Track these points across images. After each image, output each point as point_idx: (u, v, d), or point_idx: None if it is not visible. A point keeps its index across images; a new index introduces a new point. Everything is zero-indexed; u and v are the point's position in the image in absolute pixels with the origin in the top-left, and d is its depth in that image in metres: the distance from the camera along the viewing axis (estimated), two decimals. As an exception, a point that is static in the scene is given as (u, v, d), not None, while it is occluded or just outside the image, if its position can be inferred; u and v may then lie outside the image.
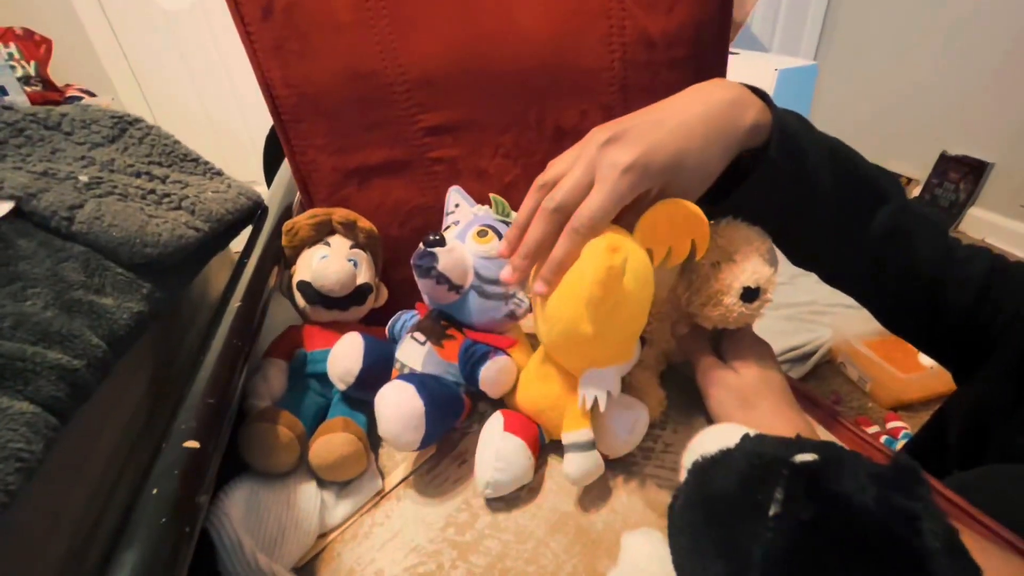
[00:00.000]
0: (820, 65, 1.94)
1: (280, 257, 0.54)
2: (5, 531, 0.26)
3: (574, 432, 0.40)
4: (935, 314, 0.49)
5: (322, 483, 0.43)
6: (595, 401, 0.39)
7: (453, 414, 0.46)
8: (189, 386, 0.34)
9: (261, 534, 0.37)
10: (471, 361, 0.45)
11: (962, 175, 1.86)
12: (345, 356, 0.44)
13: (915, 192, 2.03)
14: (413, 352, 0.47)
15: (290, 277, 0.53)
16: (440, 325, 0.48)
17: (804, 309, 1.47)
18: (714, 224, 0.44)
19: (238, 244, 0.58)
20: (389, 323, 0.53)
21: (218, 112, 1.91)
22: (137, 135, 0.53)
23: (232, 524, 0.36)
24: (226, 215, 0.52)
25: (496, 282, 0.47)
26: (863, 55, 2.17)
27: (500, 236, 0.49)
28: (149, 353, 0.45)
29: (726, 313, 0.42)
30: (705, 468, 0.26)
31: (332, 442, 0.41)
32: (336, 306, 0.51)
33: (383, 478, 0.45)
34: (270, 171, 1.06)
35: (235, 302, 0.43)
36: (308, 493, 0.41)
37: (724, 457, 0.26)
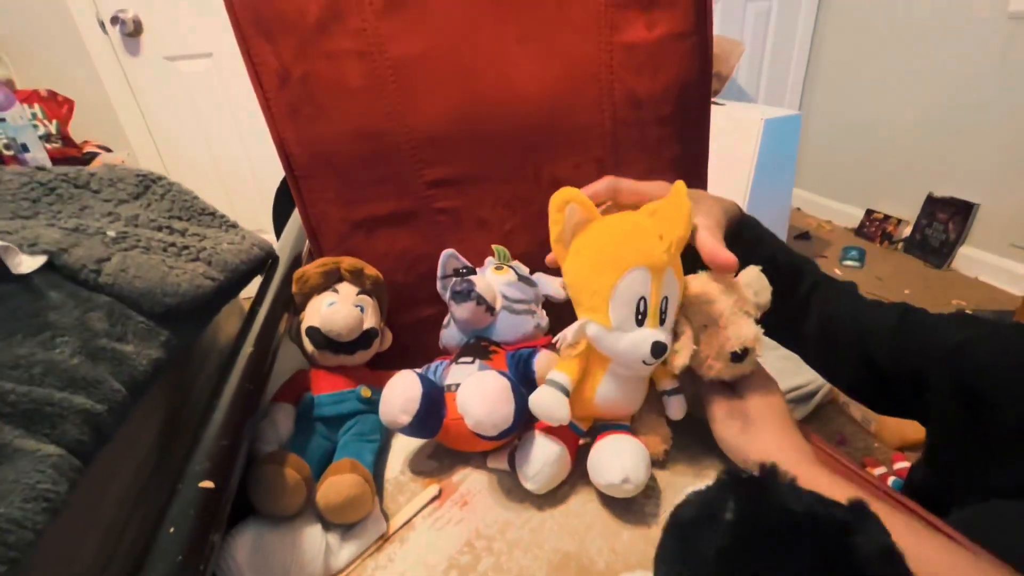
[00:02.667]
0: (805, 113, 2.04)
1: (290, 304, 0.57)
2: (22, 573, 0.27)
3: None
4: (865, 365, 0.52)
5: (327, 525, 0.43)
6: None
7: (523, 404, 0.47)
8: (204, 428, 0.35)
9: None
10: (521, 361, 0.52)
11: (950, 215, 1.91)
12: (405, 389, 0.46)
13: (906, 232, 2.08)
14: (464, 373, 0.50)
15: (299, 323, 0.55)
16: (481, 345, 0.53)
17: (803, 348, 1.48)
18: (699, 285, 0.46)
19: (247, 291, 0.60)
20: (422, 370, 0.57)
21: (228, 165, 1.99)
22: (159, 191, 0.57)
23: (239, 566, 0.36)
24: (240, 265, 0.55)
25: (522, 300, 0.55)
26: (846, 102, 2.27)
27: (513, 270, 0.57)
28: (162, 397, 0.46)
29: (721, 372, 0.44)
30: (678, 508, 0.28)
31: (340, 484, 0.42)
32: (343, 350, 0.53)
33: (387, 520, 0.45)
34: (279, 221, 1.10)
35: (247, 347, 0.45)
36: (314, 536, 0.42)
37: (693, 495, 0.28)
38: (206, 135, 1.95)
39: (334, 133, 0.58)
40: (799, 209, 2.55)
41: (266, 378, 0.45)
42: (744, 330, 0.43)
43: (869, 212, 2.22)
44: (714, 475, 0.48)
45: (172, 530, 0.28)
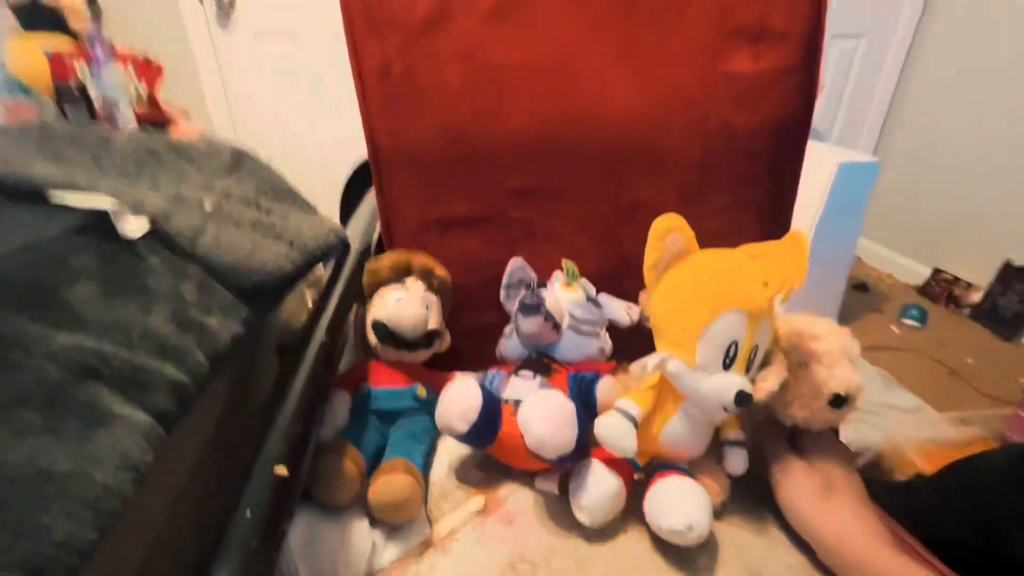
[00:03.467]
0: (880, 157, 1.95)
1: (359, 294, 0.57)
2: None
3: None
4: None
5: (373, 522, 0.43)
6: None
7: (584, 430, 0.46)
8: (278, 411, 0.36)
9: (315, 567, 0.38)
10: (584, 383, 0.51)
11: (1027, 286, 1.79)
12: (466, 397, 0.45)
13: (975, 298, 1.96)
14: (523, 387, 0.50)
15: (364, 314, 0.56)
16: (543, 362, 0.53)
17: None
18: (806, 321, 0.44)
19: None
20: (480, 378, 0.56)
21: (296, 149, 2.05)
22: (250, 167, 0.58)
23: (292, 553, 0.36)
24: (318, 249, 0.56)
25: (589, 321, 0.54)
26: (925, 153, 2.16)
27: (582, 288, 0.57)
28: (229, 371, 0.47)
29: (812, 416, 0.42)
30: None
31: (394, 483, 0.41)
32: (405, 347, 0.53)
33: (431, 525, 0.45)
34: (345, 210, 1.13)
35: (320, 333, 0.46)
36: (362, 532, 0.41)
37: None
38: (279, 116, 2.01)
39: (425, 131, 0.58)
40: (860, 259, 2.44)
41: (336, 365, 0.46)
42: (851, 374, 0.41)
43: (936, 272, 2.10)
44: (775, 532, 0.46)
45: (249, 514, 0.28)
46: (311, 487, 0.41)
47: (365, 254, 0.64)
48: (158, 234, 0.42)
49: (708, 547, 0.44)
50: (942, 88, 2.09)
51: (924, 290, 2.12)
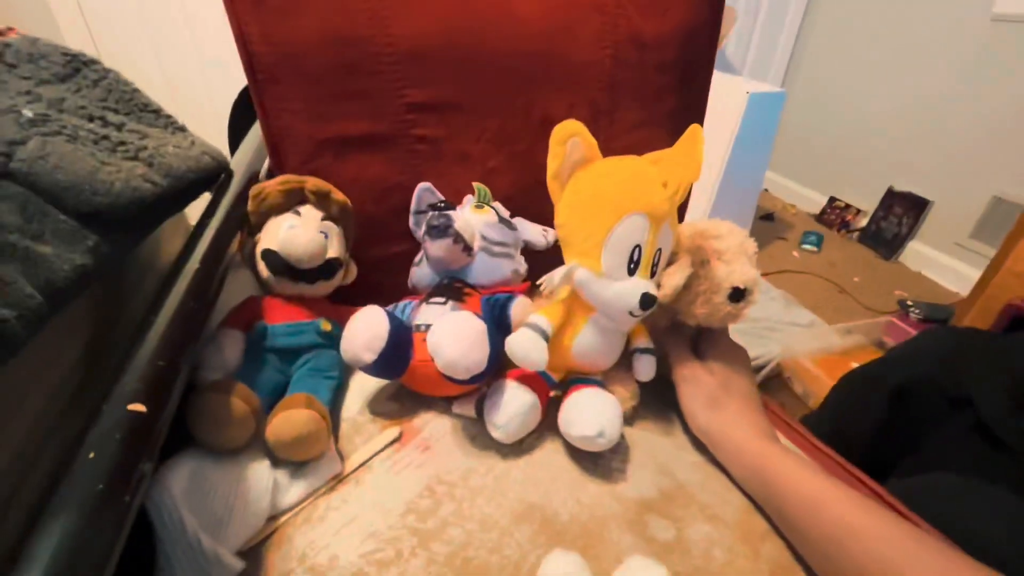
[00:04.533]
0: (786, 92, 2.04)
1: (243, 224, 0.51)
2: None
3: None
4: None
5: (276, 462, 0.40)
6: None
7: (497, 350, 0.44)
8: (137, 346, 0.31)
9: (205, 513, 0.34)
10: (496, 306, 0.49)
11: (905, 210, 1.99)
12: (371, 325, 0.42)
13: (862, 222, 2.15)
14: (436, 313, 0.47)
15: (253, 245, 0.50)
16: (455, 286, 0.50)
17: (758, 325, 1.53)
18: (708, 222, 0.44)
19: (194, 211, 0.54)
20: (390, 309, 0.52)
21: (176, 72, 1.79)
22: (92, 77, 0.48)
23: (174, 500, 0.33)
24: (187, 173, 0.48)
25: (501, 243, 0.51)
26: (826, 87, 2.29)
27: (493, 210, 0.53)
28: (88, 313, 0.41)
29: (713, 311, 0.43)
30: None
31: (293, 418, 0.38)
32: (303, 279, 0.48)
33: (343, 461, 0.43)
34: (235, 139, 1.00)
35: (193, 264, 0.40)
36: (260, 472, 0.38)
37: None
38: (151, 37, 1.74)
39: (307, 32, 0.51)
40: (767, 190, 2.60)
41: (213, 299, 0.40)
42: (748, 269, 0.42)
43: (832, 200, 2.28)
44: (680, 434, 0.48)
45: (92, 455, 0.24)
46: (195, 430, 0.37)
47: (253, 182, 0.57)
48: (-43, 147, 0.34)
49: (620, 451, 0.45)
50: (843, 23, 2.19)
51: (821, 217, 2.30)
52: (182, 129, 0.54)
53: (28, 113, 0.38)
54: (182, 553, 0.32)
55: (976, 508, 0.45)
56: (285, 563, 0.36)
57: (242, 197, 0.52)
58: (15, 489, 0.28)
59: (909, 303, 1.65)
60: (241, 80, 0.54)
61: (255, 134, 0.67)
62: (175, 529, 0.32)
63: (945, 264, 1.88)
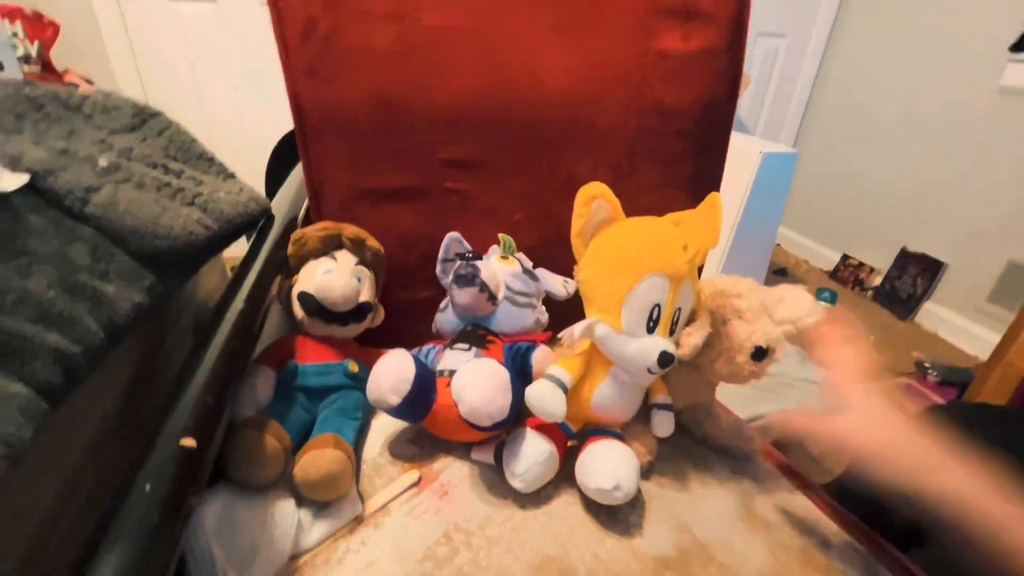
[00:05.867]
0: (800, 152, 2.09)
1: (283, 266, 0.54)
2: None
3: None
4: None
5: (300, 501, 0.41)
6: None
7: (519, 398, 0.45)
8: (187, 383, 0.33)
9: (234, 549, 0.35)
10: (519, 353, 0.51)
11: (920, 271, 1.99)
12: (398, 368, 0.44)
13: (876, 281, 2.15)
14: (459, 359, 0.49)
15: (290, 287, 0.53)
16: (478, 334, 0.52)
17: (772, 381, 1.52)
18: (729, 280, 0.46)
19: (231, 251, 0.57)
20: (415, 352, 0.54)
21: (217, 119, 1.90)
22: (157, 127, 0.53)
23: (207, 536, 0.34)
24: (236, 217, 0.52)
25: (525, 293, 0.54)
26: (838, 147, 2.34)
27: (518, 261, 0.56)
28: (135, 345, 0.43)
29: (736, 371, 0.44)
30: None
31: (321, 458, 0.39)
32: (336, 320, 0.51)
33: (363, 502, 0.43)
34: (272, 181, 1.06)
35: (238, 304, 0.42)
36: (286, 511, 0.39)
37: None
38: (197, 85, 1.86)
39: (353, 96, 0.55)
40: (780, 245, 2.62)
41: (256, 338, 0.43)
42: (771, 329, 0.43)
43: (845, 257, 2.29)
44: (698, 489, 0.48)
45: (148, 487, 0.25)
46: (229, 466, 0.38)
47: (292, 226, 0.61)
48: (42, 192, 0.37)
49: (637, 505, 0.45)
50: (854, 86, 2.27)
51: (834, 274, 2.31)
52: (232, 176, 0.58)
53: (103, 162, 0.42)
54: (209, 588, 0.33)
55: None
56: (304, 605, 0.36)
57: (282, 240, 0.55)
58: (63, 511, 0.29)
59: (927, 365, 1.63)
60: (278, 129, 0.58)
61: (295, 179, 0.72)
62: (206, 564, 0.33)
63: (962, 326, 1.86)
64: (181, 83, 1.85)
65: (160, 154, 0.51)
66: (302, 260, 0.53)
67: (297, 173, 0.74)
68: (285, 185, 0.73)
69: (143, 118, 0.53)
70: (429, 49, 0.55)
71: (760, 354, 0.43)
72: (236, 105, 1.88)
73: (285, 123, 0.59)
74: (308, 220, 0.63)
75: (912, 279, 2.02)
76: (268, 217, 0.60)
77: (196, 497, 0.28)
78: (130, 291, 0.38)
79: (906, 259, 2.05)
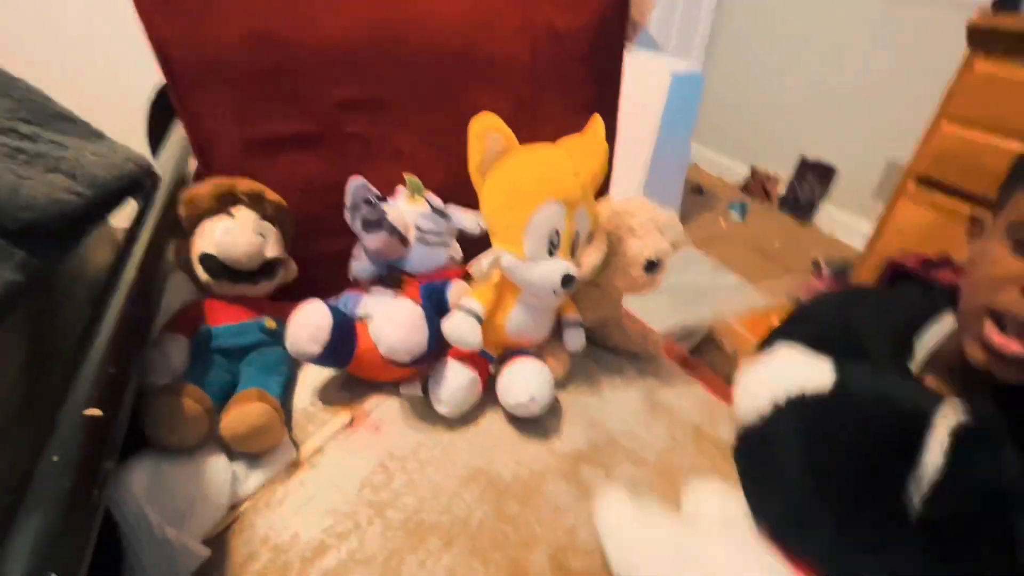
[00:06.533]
0: (707, 71, 2.14)
1: (176, 229, 0.51)
2: None
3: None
4: None
5: (233, 455, 0.42)
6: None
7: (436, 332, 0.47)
8: (84, 356, 0.32)
9: (168, 508, 0.36)
10: (435, 292, 0.51)
11: (817, 177, 2.16)
12: (314, 318, 0.44)
13: (780, 190, 2.32)
14: (377, 303, 0.49)
15: (188, 249, 0.51)
16: (394, 276, 0.53)
17: (689, 291, 1.64)
18: (623, 201, 0.49)
19: (117, 217, 0.53)
20: (332, 302, 0.54)
21: (80, 76, 1.67)
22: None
23: (136, 498, 0.35)
24: (112, 181, 0.48)
25: (435, 232, 0.54)
26: (743, 62, 2.42)
27: (427, 201, 0.55)
28: (24, 326, 0.41)
29: (631, 283, 0.48)
30: (817, 417, 0.29)
31: (246, 412, 0.40)
32: (244, 280, 0.50)
33: (298, 448, 0.45)
34: (155, 138, 0.97)
35: (130, 271, 0.41)
36: (218, 466, 0.40)
37: (842, 411, 0.29)
38: (52, 34, 1.60)
39: (227, 36, 0.51)
40: (695, 164, 2.73)
41: (156, 306, 0.42)
42: (660, 242, 0.47)
43: (754, 170, 2.43)
44: (607, 392, 0.54)
45: (56, 458, 0.25)
46: (152, 433, 0.39)
47: (180, 185, 0.57)
48: None
49: (554, 412, 0.50)
50: (755, 4, 2.31)
51: (745, 187, 2.46)
52: (100, 136, 0.53)
53: (-65, 131, 0.37)
54: (149, 546, 0.34)
55: None
56: (249, 546, 0.38)
57: (171, 202, 0.52)
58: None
59: (821, 262, 1.81)
60: (155, 76, 0.53)
61: (179, 136, 0.66)
62: (140, 525, 0.34)
63: (852, 225, 2.07)
64: (29, 35, 1.59)
65: (7, 117, 0.45)
66: (197, 220, 0.51)
67: (179, 128, 0.68)
68: (168, 142, 0.67)
69: (-23, 76, 0.47)
70: (304, -21, 0.51)
71: (651, 266, 0.48)
72: (103, 54, 1.65)
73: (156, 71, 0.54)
74: (200, 178, 0.60)
75: (810, 185, 2.19)
76: (154, 179, 0.56)
77: (111, 462, 0.28)
78: (1, 270, 0.35)
79: (804, 167, 2.21)
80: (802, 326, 0.71)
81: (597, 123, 0.44)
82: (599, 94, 0.69)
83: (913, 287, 0.61)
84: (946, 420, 0.26)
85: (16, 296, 0.36)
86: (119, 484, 0.34)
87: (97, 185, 0.46)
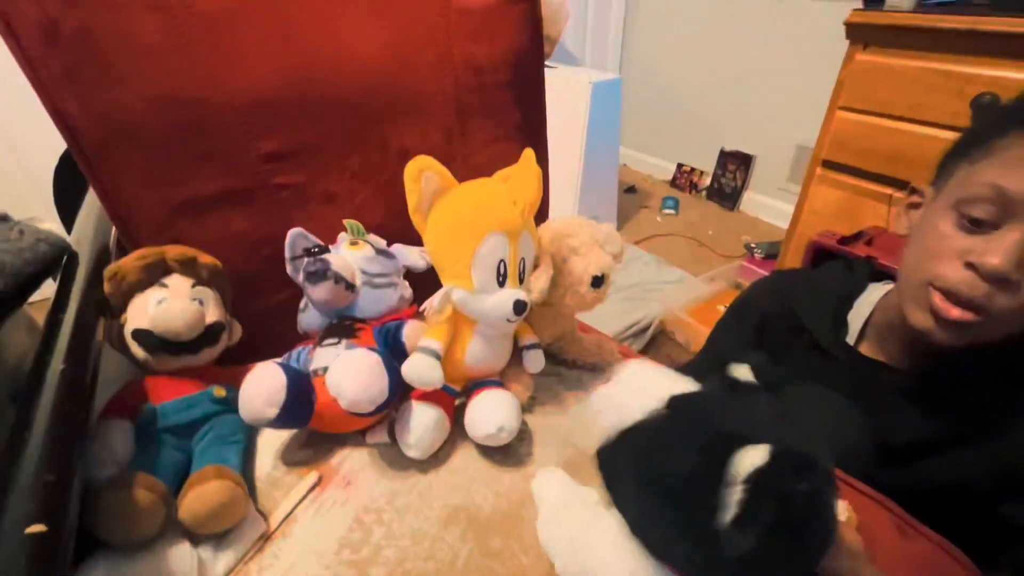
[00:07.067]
0: (625, 76, 2.25)
1: (103, 307, 0.48)
2: None
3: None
4: None
5: (196, 539, 0.40)
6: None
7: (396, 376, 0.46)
8: (17, 464, 0.30)
9: (132, 611, 0.34)
10: (389, 334, 0.51)
11: (737, 166, 2.30)
12: (267, 379, 0.43)
13: (706, 182, 2.46)
14: (331, 355, 0.48)
15: (120, 327, 0.48)
16: (345, 324, 0.52)
17: (636, 289, 1.70)
18: (561, 223, 0.51)
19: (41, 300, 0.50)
20: (284, 359, 0.53)
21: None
22: None
23: (94, 609, 0.32)
24: (22, 266, 0.45)
25: (382, 274, 0.54)
26: (657, 65, 2.55)
27: (369, 244, 0.55)
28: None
29: (580, 301, 0.50)
30: (647, 443, 0.30)
31: (206, 492, 0.38)
32: (185, 351, 0.47)
33: (267, 519, 0.43)
34: (63, 206, 0.90)
35: (57, 363, 0.38)
36: (181, 555, 0.38)
37: (665, 434, 0.30)
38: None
39: (134, 100, 0.49)
40: (625, 165, 2.84)
41: (90, 396, 0.39)
42: (602, 258, 0.49)
43: (680, 166, 2.56)
44: (574, 406, 0.55)
45: (-1, 588, 0.23)
46: (102, 532, 0.36)
47: (103, 259, 0.54)
48: None
49: (525, 438, 0.51)
50: (661, 9, 2.45)
51: (673, 183, 2.58)
52: (4, 219, 0.49)
53: None
54: (114, 657, 0.32)
55: (813, 411, 0.56)
56: (228, 633, 0.36)
57: (95, 278, 0.49)
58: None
59: (752, 245, 1.93)
60: (58, 145, 0.50)
61: (92, 206, 0.63)
62: (101, 636, 0.31)
63: (774, 207, 2.22)
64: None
65: None
66: (126, 296, 0.48)
67: (92, 197, 0.65)
68: (83, 212, 0.63)
69: None
70: (209, 37, 0.50)
71: (597, 282, 0.49)
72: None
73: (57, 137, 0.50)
74: (122, 249, 0.57)
75: (732, 174, 2.33)
76: (71, 256, 0.53)
77: (63, 578, 0.26)
78: (-96, 386, 0.32)
79: (725, 157, 2.36)
80: (745, 316, 0.76)
81: (528, 156, 0.46)
82: (525, 117, 0.72)
83: (835, 265, 0.66)
84: (749, 454, 0.25)
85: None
86: (73, 597, 0.32)
87: (8, 274, 0.43)
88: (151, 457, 0.43)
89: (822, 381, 0.59)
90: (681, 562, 0.29)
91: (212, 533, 0.40)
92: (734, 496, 0.24)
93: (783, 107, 2.08)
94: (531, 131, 0.73)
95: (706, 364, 0.80)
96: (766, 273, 1.77)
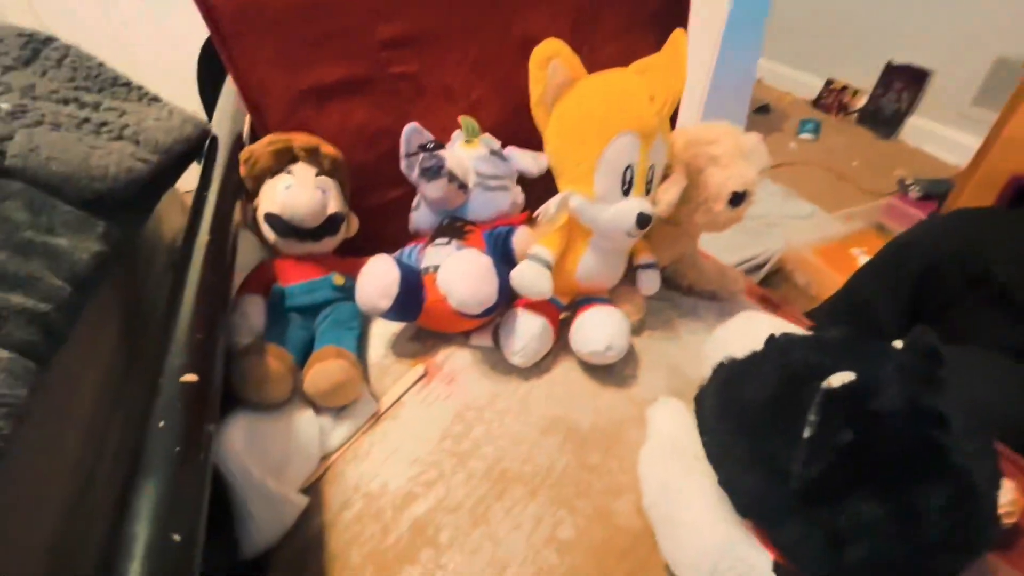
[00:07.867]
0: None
1: (241, 189, 0.51)
2: (3, 479, 0.25)
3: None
4: None
5: (319, 410, 0.44)
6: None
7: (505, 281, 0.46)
8: (173, 323, 0.33)
9: (267, 462, 0.38)
10: (499, 239, 0.49)
11: (905, 84, 1.91)
12: (382, 274, 0.44)
13: (860, 102, 2.08)
14: (441, 254, 0.48)
15: (254, 210, 0.51)
16: (456, 225, 0.51)
17: (758, 222, 1.53)
18: (702, 128, 0.44)
19: (183, 181, 0.54)
20: (396, 255, 0.53)
21: (127, 27, 1.68)
22: (54, 56, 0.47)
23: (239, 455, 0.36)
24: (174, 145, 0.48)
25: (496, 176, 0.51)
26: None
27: (484, 143, 0.52)
28: (115, 295, 0.43)
29: (713, 220, 0.44)
30: (733, 375, 0.28)
31: (327, 370, 0.41)
32: (309, 237, 0.50)
33: (377, 401, 0.46)
34: (208, 97, 0.97)
35: (203, 236, 0.41)
36: (307, 420, 0.42)
37: (752, 366, 0.28)
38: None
39: (263, -23, 0.48)
40: (760, 80, 2.48)
41: (231, 268, 0.42)
42: (746, 171, 0.43)
43: (828, 82, 2.19)
44: (685, 336, 0.51)
45: (162, 424, 0.26)
46: (241, 391, 0.40)
47: (239, 144, 0.57)
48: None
49: (631, 359, 0.48)
50: None
51: (817, 102, 2.22)
52: (156, 99, 0.53)
53: (5, 105, 0.38)
54: (255, 499, 0.36)
55: (986, 376, 0.48)
56: (343, 494, 0.40)
57: (232, 162, 0.51)
58: (96, 460, 0.31)
59: (908, 181, 1.64)
60: (201, 32, 0.52)
61: (230, 93, 0.65)
62: (246, 480, 0.35)
63: (946, 136, 1.84)
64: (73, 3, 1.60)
65: (68, 87, 0.45)
66: (258, 180, 0.50)
67: (231, 84, 0.67)
68: (221, 100, 0.66)
69: (36, 47, 0.47)
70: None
71: (737, 199, 0.43)
72: (147, 11, 1.65)
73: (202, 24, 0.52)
74: (255, 134, 0.59)
75: (897, 94, 1.95)
76: (212, 140, 0.56)
77: (213, 424, 0.29)
78: (84, 241, 0.36)
79: (891, 73, 1.96)
80: (906, 259, 0.64)
81: (679, 38, 0.39)
82: (662, 7, 0.62)
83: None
84: (832, 380, 0.24)
85: (105, 266, 0.37)
86: (221, 443, 0.36)
87: (161, 150, 0.46)
88: (280, 332, 0.47)
89: (1000, 344, 0.49)
90: (748, 498, 0.27)
91: (331, 406, 0.43)
92: (809, 418, 0.23)
93: (980, 10, 1.65)
94: (671, 22, 0.62)
95: (843, 309, 0.71)
96: (921, 215, 1.51)
